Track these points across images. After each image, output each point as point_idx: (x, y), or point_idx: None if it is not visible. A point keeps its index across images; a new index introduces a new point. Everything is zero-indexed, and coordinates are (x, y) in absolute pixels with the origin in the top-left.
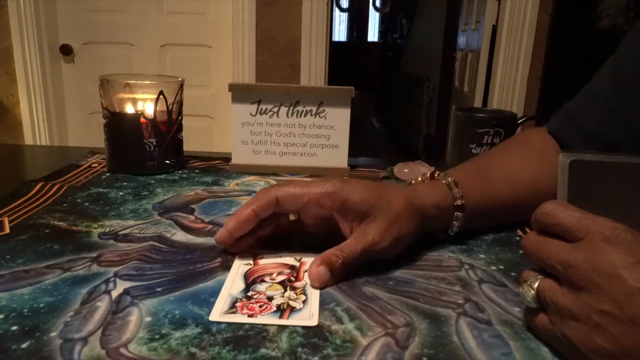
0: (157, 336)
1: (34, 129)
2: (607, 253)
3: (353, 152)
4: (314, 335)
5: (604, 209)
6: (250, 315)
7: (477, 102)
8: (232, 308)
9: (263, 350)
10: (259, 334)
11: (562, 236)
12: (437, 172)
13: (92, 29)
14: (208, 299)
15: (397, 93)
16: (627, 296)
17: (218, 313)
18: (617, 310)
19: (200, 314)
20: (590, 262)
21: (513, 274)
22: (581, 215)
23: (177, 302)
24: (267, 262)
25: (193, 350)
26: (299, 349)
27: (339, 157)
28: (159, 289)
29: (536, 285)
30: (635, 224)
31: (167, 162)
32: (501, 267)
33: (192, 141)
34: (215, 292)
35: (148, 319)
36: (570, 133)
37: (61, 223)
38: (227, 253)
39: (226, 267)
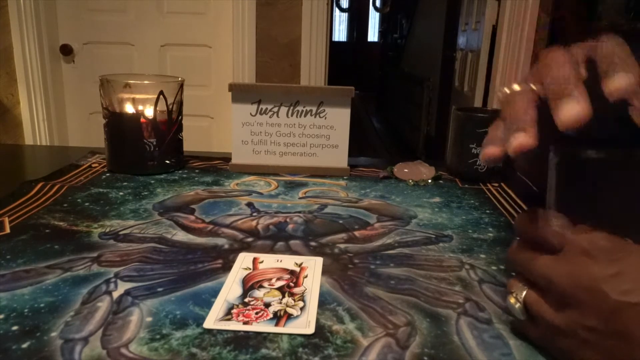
0: (157, 336)
1: (34, 129)
2: (587, 266)
3: (353, 152)
4: (315, 336)
5: (595, 204)
6: (245, 323)
7: (477, 102)
8: (228, 315)
9: (264, 351)
10: (260, 334)
11: (542, 247)
12: None
13: (92, 29)
14: (209, 299)
15: (397, 93)
16: (611, 311)
17: (213, 320)
18: (604, 326)
19: (201, 314)
20: (571, 277)
21: (513, 274)
22: (558, 225)
23: (178, 302)
24: (266, 266)
25: (194, 350)
26: (300, 349)
27: (339, 157)
28: (159, 289)
29: (522, 297)
30: (627, 219)
31: (167, 162)
32: (502, 267)
33: (192, 141)
34: (216, 293)
35: (149, 319)
36: None
37: (61, 223)
38: (228, 253)
39: (227, 267)
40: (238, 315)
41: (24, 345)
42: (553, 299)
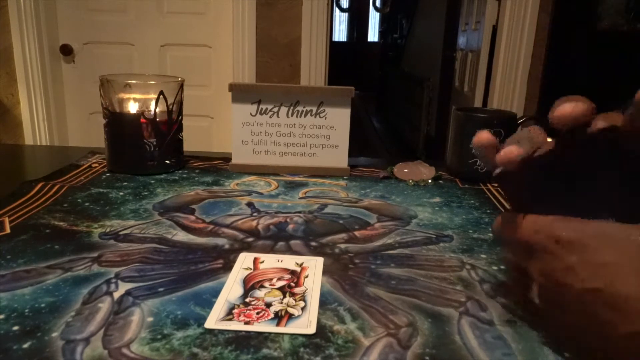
0: (159, 336)
1: (34, 129)
2: (551, 262)
3: (353, 152)
4: (316, 336)
5: (562, 196)
6: (246, 323)
7: (477, 102)
8: (229, 315)
9: (265, 351)
10: (261, 334)
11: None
12: None
13: (92, 29)
14: (210, 299)
15: (397, 93)
16: (577, 302)
17: (214, 320)
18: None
19: (202, 314)
20: (543, 274)
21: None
22: (529, 226)
23: (179, 302)
24: (267, 266)
25: (195, 350)
26: (301, 349)
27: (339, 157)
28: (160, 289)
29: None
30: (595, 206)
31: (167, 162)
32: (502, 266)
33: (192, 141)
34: (217, 293)
35: (150, 319)
36: None
37: (62, 223)
38: (228, 253)
39: (228, 267)
40: (239, 315)
41: (25, 346)
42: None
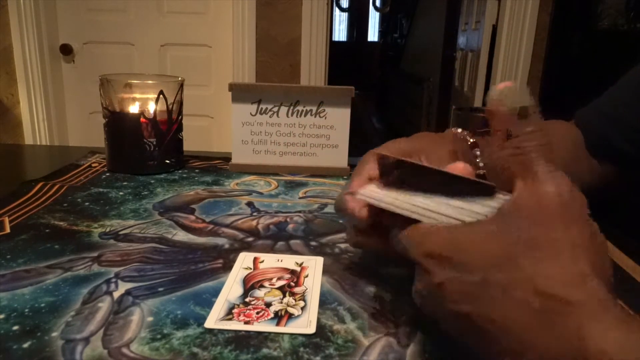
0: (159, 336)
1: (34, 129)
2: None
3: (353, 152)
4: (316, 335)
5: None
6: (246, 322)
7: (477, 102)
8: (229, 314)
9: (265, 350)
10: (261, 333)
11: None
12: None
13: (92, 29)
14: (210, 299)
15: (397, 93)
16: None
17: (214, 320)
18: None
19: (202, 314)
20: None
21: None
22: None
23: (179, 302)
24: (267, 266)
25: (195, 350)
26: (301, 349)
27: (339, 157)
28: (160, 289)
29: None
30: None
31: (167, 161)
32: None
33: (192, 141)
34: (216, 292)
35: (150, 318)
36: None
37: (61, 223)
38: (228, 253)
39: (228, 267)
40: (239, 315)
41: (25, 345)
42: None
